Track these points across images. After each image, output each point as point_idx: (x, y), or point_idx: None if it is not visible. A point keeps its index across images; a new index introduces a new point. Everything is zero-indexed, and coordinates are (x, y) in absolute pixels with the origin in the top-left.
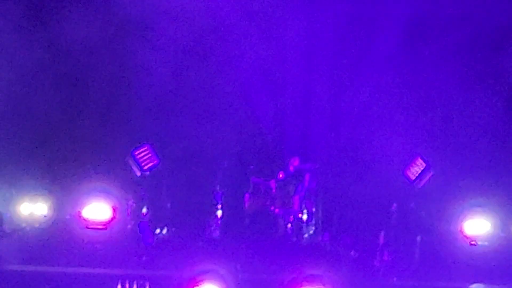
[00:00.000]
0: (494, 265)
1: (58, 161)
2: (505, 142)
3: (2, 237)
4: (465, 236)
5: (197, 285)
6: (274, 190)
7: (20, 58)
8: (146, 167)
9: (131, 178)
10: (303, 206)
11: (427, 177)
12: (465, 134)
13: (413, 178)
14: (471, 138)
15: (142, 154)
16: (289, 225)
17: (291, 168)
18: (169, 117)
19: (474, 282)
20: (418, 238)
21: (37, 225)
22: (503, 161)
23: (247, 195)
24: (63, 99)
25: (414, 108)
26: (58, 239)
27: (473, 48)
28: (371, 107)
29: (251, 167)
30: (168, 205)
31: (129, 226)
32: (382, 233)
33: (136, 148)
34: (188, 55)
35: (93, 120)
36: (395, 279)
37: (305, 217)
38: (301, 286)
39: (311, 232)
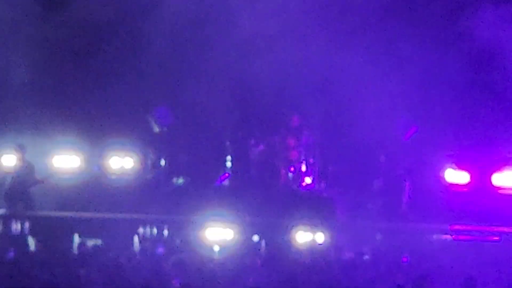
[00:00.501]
0: (471, 208)
1: (87, 120)
2: (474, 98)
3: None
4: (446, 183)
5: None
6: (276, 144)
7: (44, 35)
8: (163, 124)
9: (151, 134)
10: (302, 158)
11: (412, 132)
12: (440, 92)
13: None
14: (446, 95)
15: (159, 113)
16: (290, 175)
17: (292, 124)
18: (181, 80)
19: (455, 223)
20: (407, 184)
21: (68, 176)
22: (473, 116)
23: (252, 149)
24: (87, 69)
25: (398, 70)
26: (87, 188)
27: (445, 13)
28: (360, 70)
29: (256, 123)
30: (184, 157)
31: (149, 176)
32: (376, 181)
33: (154, 108)
34: (190, 25)
35: (115, 84)
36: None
37: (304, 167)
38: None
39: (310, 181)
